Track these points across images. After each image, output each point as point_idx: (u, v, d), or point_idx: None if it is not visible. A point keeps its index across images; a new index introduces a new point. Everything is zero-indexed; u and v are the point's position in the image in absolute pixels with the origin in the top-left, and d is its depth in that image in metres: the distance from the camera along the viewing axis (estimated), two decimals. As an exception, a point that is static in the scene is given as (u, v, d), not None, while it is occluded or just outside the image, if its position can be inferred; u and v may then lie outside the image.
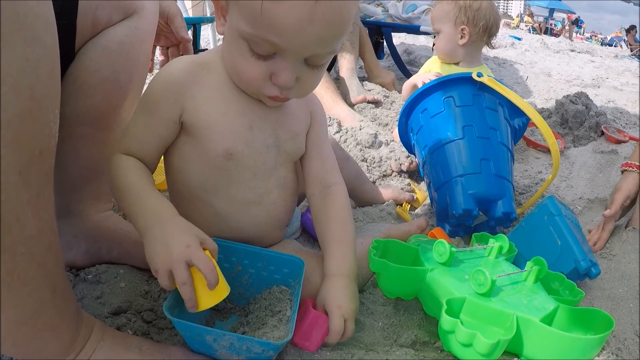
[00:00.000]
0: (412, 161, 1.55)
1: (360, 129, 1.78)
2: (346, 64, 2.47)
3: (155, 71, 1.27)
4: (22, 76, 0.56)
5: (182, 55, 1.21)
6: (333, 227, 0.93)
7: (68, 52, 0.92)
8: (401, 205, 1.39)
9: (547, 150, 1.95)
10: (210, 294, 0.72)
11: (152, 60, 1.10)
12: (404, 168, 1.56)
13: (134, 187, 0.80)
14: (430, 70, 1.92)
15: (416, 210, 1.43)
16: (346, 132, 1.78)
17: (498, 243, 0.99)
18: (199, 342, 0.74)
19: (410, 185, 1.39)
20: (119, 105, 1.02)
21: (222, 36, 0.84)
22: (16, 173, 0.58)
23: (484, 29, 1.80)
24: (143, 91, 0.87)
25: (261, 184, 0.89)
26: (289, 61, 0.75)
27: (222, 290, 0.73)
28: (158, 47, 1.25)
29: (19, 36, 0.55)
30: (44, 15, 0.60)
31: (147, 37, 1.02)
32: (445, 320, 0.75)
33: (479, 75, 1.32)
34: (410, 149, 1.57)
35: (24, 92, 0.57)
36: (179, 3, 2.28)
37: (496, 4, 1.99)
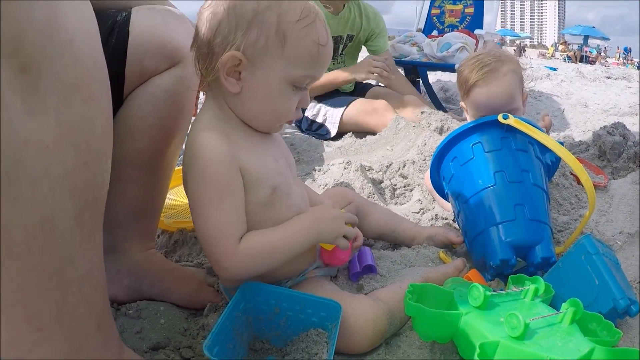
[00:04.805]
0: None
1: None
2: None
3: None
4: (80, 132, 0.62)
5: None
6: None
7: (117, 98, 0.99)
8: (443, 248, 1.39)
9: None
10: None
11: (196, 105, 1.17)
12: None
13: (273, 236, 0.93)
14: None
15: (456, 249, 1.44)
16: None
17: (534, 285, 0.99)
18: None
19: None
20: (164, 150, 1.09)
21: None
22: (72, 218, 0.63)
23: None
24: (200, 180, 0.90)
25: (294, 202, 1.02)
26: (309, 87, 0.98)
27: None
28: (202, 92, 1.30)
29: (77, 96, 0.61)
30: (99, 76, 0.66)
31: (191, 84, 1.09)
32: (479, 364, 0.77)
33: (505, 117, 1.32)
34: (445, 198, 1.57)
35: (81, 146, 0.62)
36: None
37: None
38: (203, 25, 0.90)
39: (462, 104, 1.70)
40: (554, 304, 1.02)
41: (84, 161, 0.63)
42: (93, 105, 0.64)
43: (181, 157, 2.12)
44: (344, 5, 2.84)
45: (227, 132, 0.93)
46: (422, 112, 2.53)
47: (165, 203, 1.25)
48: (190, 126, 1.00)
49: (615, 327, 0.91)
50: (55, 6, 0.57)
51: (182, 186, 1.69)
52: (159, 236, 1.46)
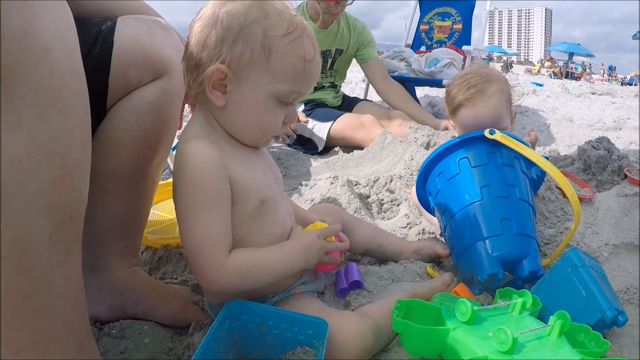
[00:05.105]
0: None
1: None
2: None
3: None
4: (56, 146, 0.60)
5: None
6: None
7: (100, 110, 0.97)
8: (430, 262, 1.38)
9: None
10: None
11: (181, 118, 1.16)
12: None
13: (261, 256, 0.94)
14: None
15: (444, 264, 1.43)
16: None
17: (521, 299, 0.99)
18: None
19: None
20: (148, 163, 1.06)
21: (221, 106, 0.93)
22: (47, 237, 0.61)
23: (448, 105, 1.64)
24: (190, 189, 0.88)
25: (280, 216, 1.02)
26: (296, 102, 0.97)
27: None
28: (187, 105, 1.29)
29: (53, 108, 0.59)
30: (77, 87, 0.64)
31: (176, 97, 1.07)
32: (468, 380, 0.75)
33: (491, 132, 1.31)
34: (431, 212, 1.56)
35: (57, 160, 0.60)
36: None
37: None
38: (193, 38, 0.90)
39: (450, 122, 1.70)
40: (542, 317, 1.02)
41: (60, 176, 0.61)
42: (70, 118, 0.62)
43: (165, 171, 2.12)
44: (332, 20, 2.86)
45: (216, 142, 0.93)
46: (409, 127, 2.54)
47: (149, 218, 1.23)
48: (177, 138, 0.98)
49: (603, 337, 0.91)
50: (31, 13, 0.55)
51: (166, 201, 1.69)
52: (142, 253, 1.44)
